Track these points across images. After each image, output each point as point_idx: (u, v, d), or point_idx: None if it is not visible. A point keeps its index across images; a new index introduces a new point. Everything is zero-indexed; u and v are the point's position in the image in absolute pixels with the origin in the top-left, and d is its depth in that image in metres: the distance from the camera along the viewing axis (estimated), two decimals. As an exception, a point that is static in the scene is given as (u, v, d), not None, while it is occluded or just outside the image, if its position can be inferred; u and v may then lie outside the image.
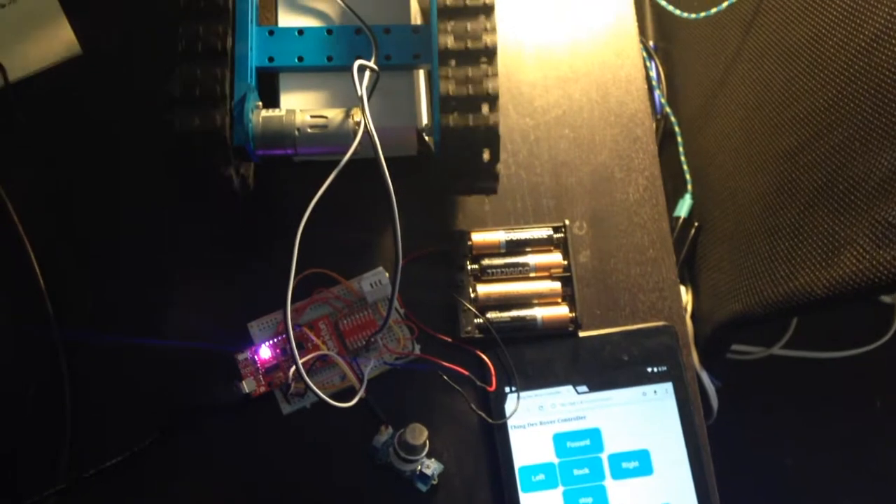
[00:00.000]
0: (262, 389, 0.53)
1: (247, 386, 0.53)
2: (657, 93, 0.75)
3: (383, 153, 0.46)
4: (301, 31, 0.54)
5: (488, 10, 0.50)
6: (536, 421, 0.54)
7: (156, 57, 0.51)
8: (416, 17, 0.57)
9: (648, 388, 0.55)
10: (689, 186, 0.75)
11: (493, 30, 0.50)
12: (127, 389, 0.54)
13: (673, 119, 0.77)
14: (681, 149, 0.76)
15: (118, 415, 0.54)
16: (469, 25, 0.50)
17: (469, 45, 0.49)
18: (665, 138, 0.76)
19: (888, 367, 0.96)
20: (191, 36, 0.49)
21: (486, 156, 0.49)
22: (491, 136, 0.49)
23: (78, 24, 0.60)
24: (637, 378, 0.55)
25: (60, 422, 0.53)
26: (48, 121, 0.59)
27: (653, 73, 0.75)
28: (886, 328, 0.94)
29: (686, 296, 0.69)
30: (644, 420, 0.54)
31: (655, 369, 0.55)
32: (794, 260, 0.58)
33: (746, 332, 0.86)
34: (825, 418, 0.97)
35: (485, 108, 0.48)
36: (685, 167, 0.76)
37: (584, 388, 0.54)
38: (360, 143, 0.48)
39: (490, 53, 0.49)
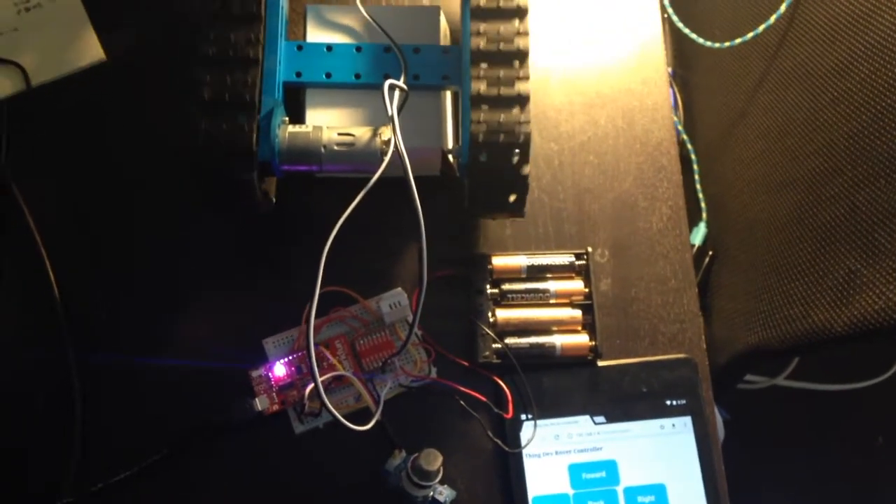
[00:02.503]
0: (276, 408, 0.52)
1: (259, 403, 0.52)
2: (674, 119, 0.75)
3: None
4: (330, 47, 0.53)
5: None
6: (552, 450, 0.53)
7: (180, 65, 0.51)
8: (445, 38, 0.56)
9: (667, 422, 0.54)
10: (704, 215, 0.75)
11: (526, 33, 0.49)
12: (139, 404, 0.53)
13: (690, 146, 0.77)
14: (696, 176, 0.76)
15: (129, 430, 0.53)
16: (501, 28, 0.49)
17: (501, 47, 0.49)
18: (681, 165, 0.75)
19: (892, 402, 0.95)
20: (222, 43, 0.48)
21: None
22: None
23: (103, 31, 0.59)
24: (655, 410, 0.54)
25: (70, 436, 0.52)
26: (69, 128, 0.58)
27: (670, 100, 0.75)
28: (891, 363, 0.93)
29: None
30: (661, 454, 0.53)
31: (674, 402, 0.54)
32: (811, 296, 0.57)
33: (761, 363, 0.86)
34: (827, 451, 0.96)
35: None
36: (700, 195, 0.75)
37: (601, 419, 0.54)
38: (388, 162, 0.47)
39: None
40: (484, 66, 0.49)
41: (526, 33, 0.49)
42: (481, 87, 0.49)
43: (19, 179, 0.56)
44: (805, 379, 0.92)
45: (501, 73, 0.49)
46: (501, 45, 0.49)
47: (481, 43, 0.49)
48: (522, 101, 0.49)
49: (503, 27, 0.49)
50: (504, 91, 0.48)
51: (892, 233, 0.52)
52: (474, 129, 0.48)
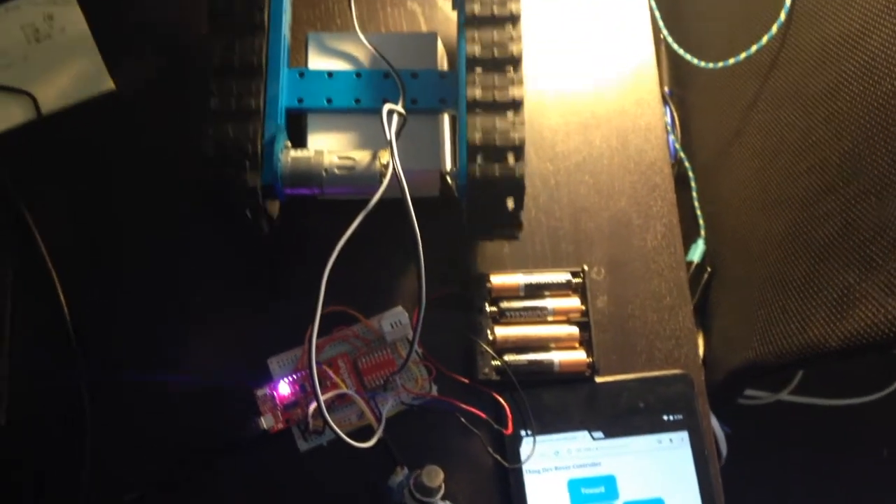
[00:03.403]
0: (280, 426, 0.53)
1: (265, 422, 0.53)
2: (671, 138, 0.76)
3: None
4: (331, 73, 0.55)
5: (515, 62, 0.51)
6: (552, 466, 0.54)
7: (188, 94, 0.52)
8: (442, 63, 0.58)
9: (664, 437, 0.55)
10: (702, 232, 0.76)
11: (521, 81, 0.51)
12: (146, 424, 0.55)
13: (687, 164, 0.78)
14: (694, 194, 0.77)
15: (137, 449, 0.54)
16: (496, 77, 0.51)
17: (496, 96, 0.50)
18: (679, 183, 0.76)
19: (896, 415, 0.95)
20: (225, 92, 0.50)
21: (510, 203, 0.50)
22: (516, 186, 0.49)
23: (111, 60, 0.61)
24: (653, 426, 0.55)
25: (80, 457, 0.53)
26: (78, 155, 0.60)
27: (667, 119, 0.76)
28: (895, 377, 0.93)
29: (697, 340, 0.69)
30: (659, 468, 0.54)
31: (671, 417, 0.55)
32: (807, 311, 0.58)
33: (762, 379, 0.86)
34: (831, 465, 0.96)
35: (511, 158, 0.49)
36: (698, 212, 0.76)
37: (599, 435, 0.55)
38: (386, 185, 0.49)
39: (517, 104, 0.50)
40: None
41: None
42: (476, 92, 0.50)
43: (31, 207, 0.58)
44: (809, 394, 0.93)
45: (496, 77, 0.50)
46: (496, 94, 0.50)
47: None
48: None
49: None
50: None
51: (884, 248, 0.52)
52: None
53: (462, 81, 0.51)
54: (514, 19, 0.52)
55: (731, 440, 0.78)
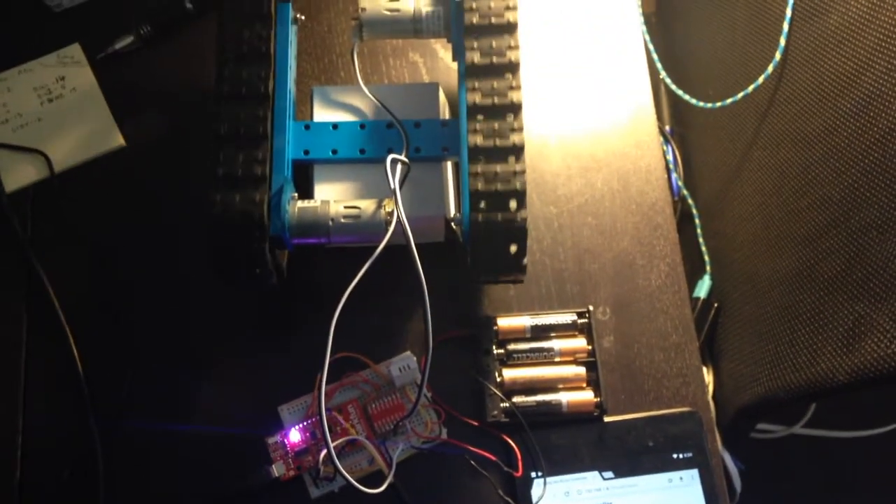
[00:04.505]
0: (292, 473, 0.54)
1: (276, 470, 0.53)
2: (674, 175, 0.77)
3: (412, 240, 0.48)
4: (335, 125, 0.56)
5: (515, 110, 0.52)
6: (563, 507, 0.54)
7: (195, 150, 0.53)
8: (444, 112, 0.59)
9: (674, 475, 0.55)
10: (708, 268, 0.76)
11: (521, 128, 0.52)
12: (157, 473, 0.55)
13: (690, 201, 0.78)
14: (698, 231, 0.77)
15: (149, 498, 0.54)
16: (497, 124, 0.52)
17: (497, 143, 0.51)
18: (683, 220, 0.77)
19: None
20: (232, 118, 0.51)
21: (513, 249, 0.51)
22: (518, 231, 0.50)
23: (121, 118, 0.63)
24: (663, 464, 0.55)
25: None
26: (89, 210, 0.61)
27: (669, 157, 0.77)
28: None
29: (707, 377, 0.69)
30: (670, 507, 0.54)
31: (681, 455, 0.55)
32: (814, 345, 0.58)
33: (769, 415, 0.86)
34: (849, 499, 0.95)
35: (513, 204, 0.50)
36: (703, 248, 0.77)
37: (609, 474, 0.55)
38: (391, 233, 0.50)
39: (518, 151, 0.51)
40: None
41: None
42: (477, 139, 0.51)
43: (44, 260, 0.59)
44: (823, 426, 0.92)
45: (496, 124, 0.51)
46: (497, 141, 0.51)
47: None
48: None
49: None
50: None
51: (888, 280, 0.53)
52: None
53: (463, 129, 0.52)
54: (512, 68, 0.53)
55: (745, 476, 0.77)
